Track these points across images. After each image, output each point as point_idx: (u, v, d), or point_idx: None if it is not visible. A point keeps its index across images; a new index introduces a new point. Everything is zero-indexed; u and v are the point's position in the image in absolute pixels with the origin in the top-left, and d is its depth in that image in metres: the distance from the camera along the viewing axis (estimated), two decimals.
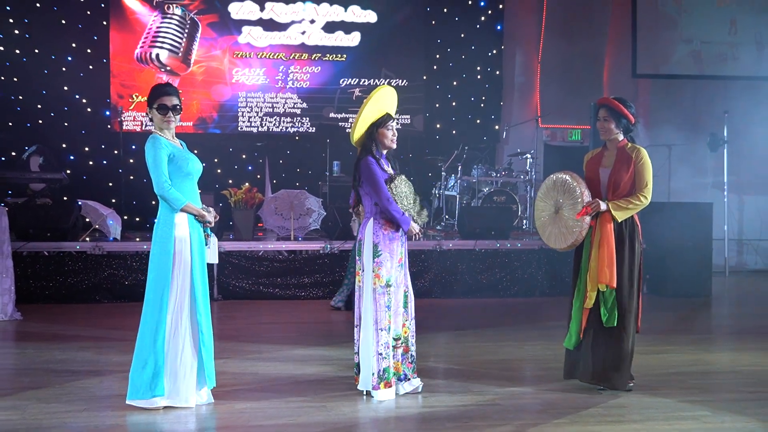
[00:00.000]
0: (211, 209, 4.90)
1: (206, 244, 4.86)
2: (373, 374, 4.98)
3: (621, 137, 5.31)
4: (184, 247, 4.73)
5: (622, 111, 5.28)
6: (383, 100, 5.18)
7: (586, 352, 5.22)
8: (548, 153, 13.09)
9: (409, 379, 5.15)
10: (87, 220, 10.01)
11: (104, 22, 12.30)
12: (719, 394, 5.27)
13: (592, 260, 5.22)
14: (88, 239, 9.58)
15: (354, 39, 12.86)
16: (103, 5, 12.30)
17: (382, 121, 5.16)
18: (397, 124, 5.29)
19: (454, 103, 13.39)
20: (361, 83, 12.84)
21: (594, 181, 5.30)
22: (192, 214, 4.79)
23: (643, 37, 13.01)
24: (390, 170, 5.18)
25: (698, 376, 5.79)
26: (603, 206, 5.14)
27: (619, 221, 5.20)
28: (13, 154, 11.73)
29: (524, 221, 11.66)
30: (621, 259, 5.19)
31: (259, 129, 12.69)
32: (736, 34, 13.13)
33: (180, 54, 12.46)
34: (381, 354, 4.98)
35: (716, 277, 10.48)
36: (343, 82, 12.86)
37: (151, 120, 4.89)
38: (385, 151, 5.21)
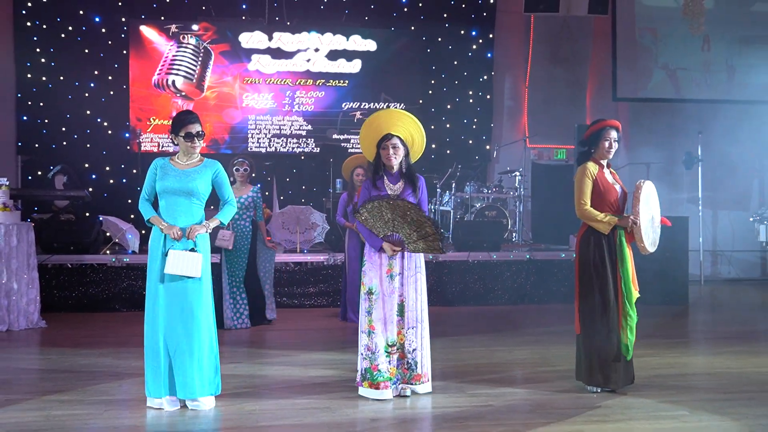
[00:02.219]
0: (197, 227, 4.75)
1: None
2: (358, 371, 5.11)
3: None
4: (152, 257, 4.80)
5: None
6: (377, 121, 5.19)
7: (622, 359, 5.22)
8: (536, 171, 13.11)
9: (397, 384, 5.10)
10: (107, 234, 9.99)
11: (124, 51, 12.33)
12: (697, 395, 5.25)
13: (631, 272, 5.22)
14: (108, 252, 9.57)
15: (355, 66, 12.89)
16: (123, 35, 12.34)
17: (380, 141, 5.17)
18: (400, 141, 5.17)
19: (448, 125, 13.40)
20: (361, 107, 12.87)
21: (613, 194, 5.24)
22: (158, 227, 4.80)
23: (622, 63, 13.05)
24: (390, 190, 5.13)
25: (677, 378, 5.78)
26: None
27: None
28: (39, 173, 11.75)
29: (514, 234, 11.65)
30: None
31: (268, 149, 12.70)
32: (709, 60, 13.17)
33: (194, 80, 12.49)
34: (362, 354, 5.08)
35: (692, 286, 10.47)
36: (345, 105, 12.88)
37: (176, 144, 4.90)
38: (394, 169, 5.17)
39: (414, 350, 5.08)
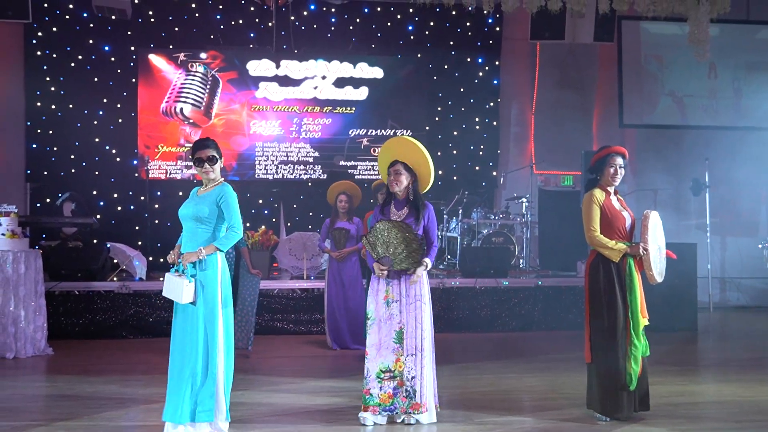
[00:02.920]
0: (189, 254, 4.69)
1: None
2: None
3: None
4: None
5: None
6: (386, 147, 5.30)
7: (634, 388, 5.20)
8: (542, 197, 13.12)
9: (395, 412, 5.07)
10: (115, 261, 10.03)
11: (133, 80, 12.45)
12: (707, 424, 5.22)
13: (640, 298, 5.20)
14: (115, 279, 9.60)
15: (362, 93, 12.98)
16: (132, 64, 12.46)
17: (388, 167, 5.23)
18: (403, 168, 5.21)
19: (454, 152, 13.45)
20: (369, 133, 12.92)
21: (621, 221, 5.26)
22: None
23: (628, 90, 13.12)
24: (395, 216, 5.17)
25: (687, 407, 5.74)
26: None
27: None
28: (48, 200, 11.81)
29: (521, 260, 11.64)
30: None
31: (275, 176, 12.76)
32: (715, 86, 13.23)
33: (202, 108, 12.59)
34: (365, 378, 5.11)
35: (701, 313, 10.40)
36: (352, 132, 12.94)
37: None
38: (399, 196, 5.21)
39: (413, 378, 5.04)
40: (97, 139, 12.29)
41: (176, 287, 4.64)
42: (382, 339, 5.06)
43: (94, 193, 12.14)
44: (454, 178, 13.30)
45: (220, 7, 12.77)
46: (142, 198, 11.99)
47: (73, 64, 12.30)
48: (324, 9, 13.04)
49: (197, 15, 12.67)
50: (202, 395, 4.64)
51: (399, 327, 5.07)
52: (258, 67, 12.73)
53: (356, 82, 12.96)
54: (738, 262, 13.09)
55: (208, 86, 12.63)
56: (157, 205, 12.00)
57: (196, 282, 4.67)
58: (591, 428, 5.02)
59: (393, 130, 13.00)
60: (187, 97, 12.52)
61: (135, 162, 12.42)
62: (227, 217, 4.81)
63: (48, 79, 12.18)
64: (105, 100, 12.39)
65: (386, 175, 5.29)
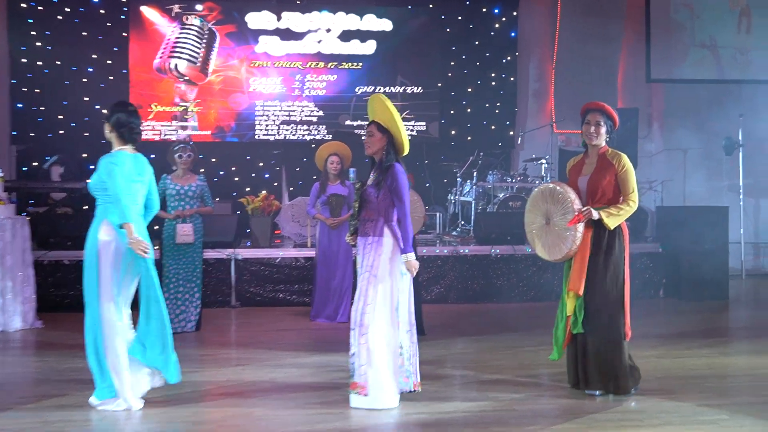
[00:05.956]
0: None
1: None
2: None
3: (604, 143, 5.26)
4: None
5: (613, 116, 5.26)
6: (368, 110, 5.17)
7: (582, 359, 5.18)
8: (563, 158, 12.97)
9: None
10: None
11: (124, 34, 12.35)
12: (737, 398, 5.20)
13: (571, 270, 5.16)
14: None
15: (370, 47, 12.85)
16: (123, 17, 12.36)
17: None
18: (366, 129, 5.11)
19: (468, 110, 13.35)
20: (376, 91, 12.79)
21: (575, 190, 5.21)
22: None
23: (656, 41, 12.92)
24: (371, 181, 5.08)
25: (715, 379, 5.73)
26: (595, 214, 5.04)
27: (611, 229, 5.10)
28: (35, 164, 11.79)
29: None
30: (603, 266, 5.10)
31: (276, 137, 12.71)
32: (750, 36, 13.02)
33: (198, 64, 12.50)
34: None
35: (733, 281, 10.37)
36: (359, 89, 12.84)
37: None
38: (376, 158, 5.11)
39: (352, 354, 4.95)
40: (86, 98, 12.22)
41: None
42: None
43: (84, 155, 12.08)
44: (468, 138, 13.21)
45: None
46: None
47: (60, 17, 12.20)
48: None
49: None
50: (94, 369, 4.94)
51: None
52: (258, 19, 12.60)
53: (363, 35, 12.82)
54: None
55: (205, 40, 12.53)
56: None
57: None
58: (610, 404, 5.02)
59: (403, 87, 12.90)
60: (182, 53, 12.43)
61: None
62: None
63: (33, 33, 12.09)
64: (94, 56, 12.30)
65: None
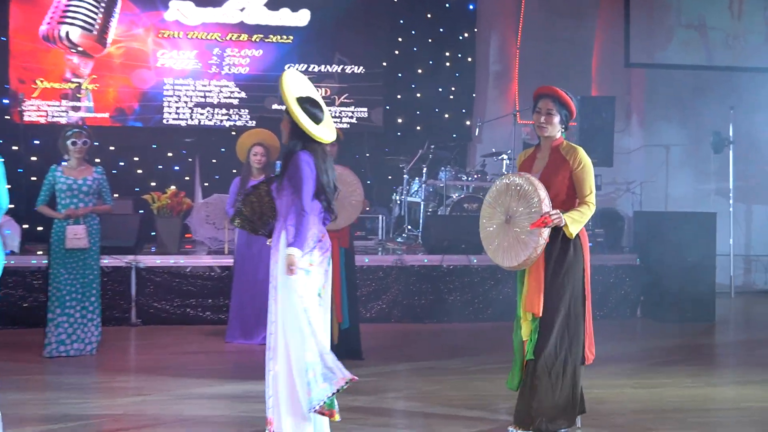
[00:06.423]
0: None
1: None
2: None
3: (558, 135, 5.20)
4: None
5: (569, 104, 5.16)
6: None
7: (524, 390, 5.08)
8: None
9: None
10: None
11: None
12: None
13: (525, 286, 5.08)
14: None
15: (302, 18, 12.83)
16: None
17: None
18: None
19: (418, 95, 13.41)
20: (310, 70, 12.80)
21: None
22: None
23: (636, 20, 13.15)
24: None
25: (699, 413, 5.83)
26: (563, 220, 4.92)
27: (573, 236, 5.00)
28: None
29: None
30: (561, 280, 5.02)
31: (189, 122, 12.60)
32: (742, 18, 13.32)
33: (95, 32, 12.32)
34: None
35: (720, 299, 10.55)
36: (288, 68, 12.79)
37: None
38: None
39: (267, 384, 4.85)
40: None
41: None
42: None
43: None
44: (418, 128, 13.28)
45: None
46: (15, 147, 11.77)
47: None
48: None
49: None
50: None
51: None
52: None
53: (295, 4, 12.81)
54: (766, 236, 13.30)
55: (103, 4, 12.36)
56: (34, 158, 11.77)
57: None
58: None
59: (341, 66, 12.90)
60: (75, 18, 12.24)
61: (5, 101, 12.15)
62: None
63: None
64: None
65: None
